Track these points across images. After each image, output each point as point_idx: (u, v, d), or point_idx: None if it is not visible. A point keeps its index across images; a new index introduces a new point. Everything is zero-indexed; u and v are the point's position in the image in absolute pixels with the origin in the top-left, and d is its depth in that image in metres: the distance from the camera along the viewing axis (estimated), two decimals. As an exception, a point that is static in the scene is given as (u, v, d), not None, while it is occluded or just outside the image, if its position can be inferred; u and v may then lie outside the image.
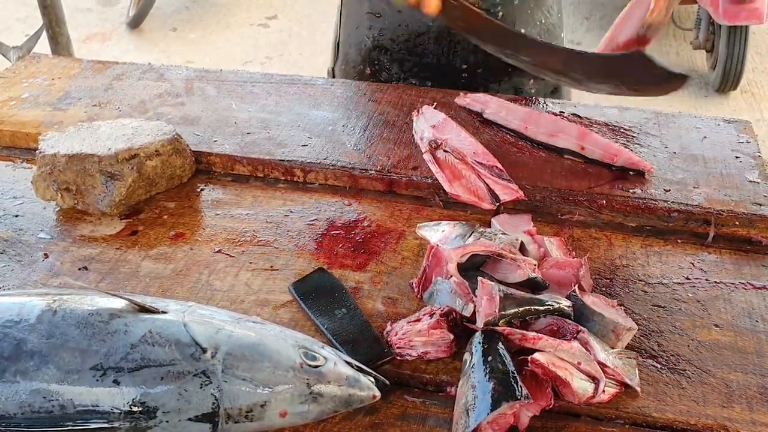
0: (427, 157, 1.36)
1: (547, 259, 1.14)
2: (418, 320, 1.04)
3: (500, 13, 1.62)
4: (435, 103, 1.52)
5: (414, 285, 1.14)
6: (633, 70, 1.30)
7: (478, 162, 1.32)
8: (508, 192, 1.28)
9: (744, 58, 4.40)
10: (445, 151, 1.35)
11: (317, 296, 1.11)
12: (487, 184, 1.29)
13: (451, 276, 1.07)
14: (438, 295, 1.08)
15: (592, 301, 1.04)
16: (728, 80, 4.52)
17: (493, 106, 1.51)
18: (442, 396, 0.99)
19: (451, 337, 1.02)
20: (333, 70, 1.87)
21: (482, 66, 1.66)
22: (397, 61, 1.71)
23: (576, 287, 1.06)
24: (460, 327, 1.03)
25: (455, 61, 1.67)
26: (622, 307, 1.09)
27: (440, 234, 1.20)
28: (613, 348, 1.01)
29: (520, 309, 1.00)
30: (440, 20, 1.46)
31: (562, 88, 1.80)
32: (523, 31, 1.65)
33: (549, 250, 1.16)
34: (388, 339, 1.04)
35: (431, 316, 1.03)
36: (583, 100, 1.68)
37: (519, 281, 1.08)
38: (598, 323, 1.02)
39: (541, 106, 1.58)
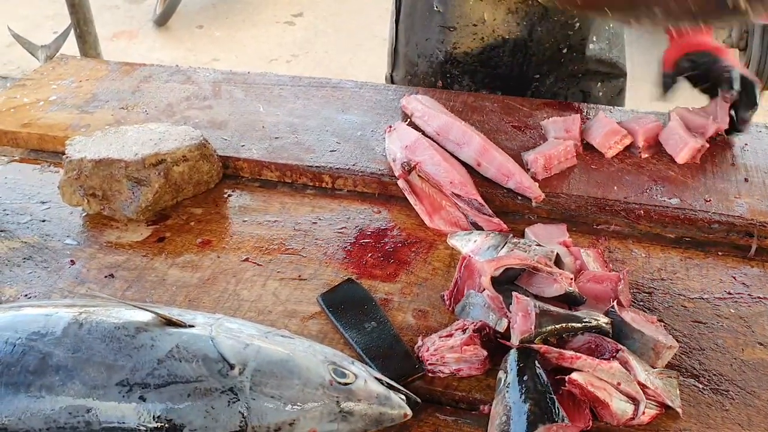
0: (401, 184, 1.29)
1: (584, 273, 1.10)
2: (450, 335, 1.01)
3: (577, 24, 1.60)
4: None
5: (445, 297, 1.11)
6: None
7: (455, 194, 1.26)
8: (491, 226, 1.23)
9: (778, 57, 4.30)
10: (420, 176, 1.29)
11: (346, 308, 1.09)
12: (467, 216, 1.25)
13: (484, 289, 1.04)
14: (471, 309, 1.05)
15: (631, 317, 1.01)
16: (762, 79, 4.42)
17: (418, 111, 1.47)
18: (475, 414, 0.96)
19: (485, 353, 0.99)
20: (392, 76, 1.84)
21: (553, 74, 1.64)
22: (468, 73, 1.68)
23: (615, 303, 1.02)
24: (493, 343, 1.00)
25: (528, 71, 1.65)
26: (662, 324, 1.06)
27: (472, 244, 1.17)
28: (653, 367, 0.97)
29: (557, 326, 0.97)
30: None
31: (625, 92, 1.78)
32: (595, 38, 1.64)
33: (586, 263, 1.12)
34: (419, 354, 1.01)
35: (464, 331, 1.00)
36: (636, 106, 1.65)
37: (555, 296, 1.04)
38: (637, 341, 0.99)
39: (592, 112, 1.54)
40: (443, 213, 1.26)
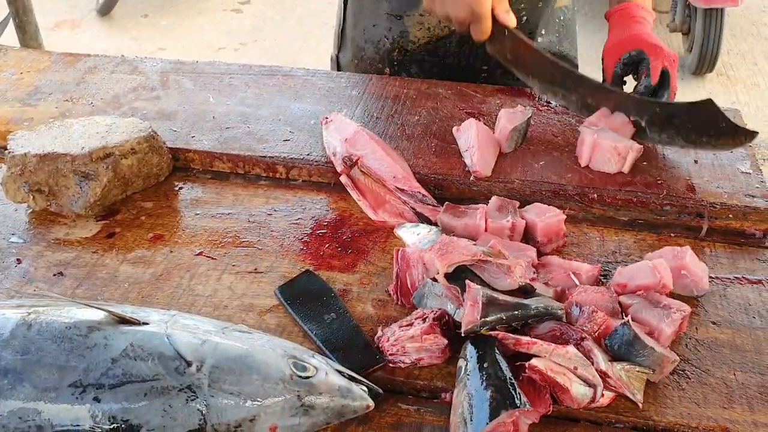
0: (344, 180, 1.28)
1: (578, 287, 1.07)
2: (410, 325, 1.00)
3: (524, 17, 1.59)
4: (343, 111, 1.45)
5: (391, 292, 1.10)
6: (698, 121, 1.30)
7: (398, 188, 1.25)
8: (436, 216, 1.21)
9: (720, 40, 4.39)
10: (362, 171, 1.28)
11: (305, 300, 1.07)
12: (413, 208, 1.24)
13: (436, 278, 1.04)
14: (429, 299, 1.05)
15: (645, 334, 0.98)
16: (704, 63, 4.51)
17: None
18: (437, 403, 0.95)
19: (445, 342, 0.98)
20: (338, 57, 1.81)
21: (502, 66, 1.62)
22: (416, 62, 1.67)
23: (629, 317, 0.99)
24: (453, 331, 1.00)
25: (476, 62, 1.64)
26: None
27: (415, 237, 1.17)
28: (654, 381, 0.97)
29: (504, 315, 0.97)
30: (488, 48, 1.41)
31: None
32: (544, 31, 1.64)
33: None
34: (380, 345, 1.00)
35: (424, 320, 1.00)
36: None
37: (507, 290, 1.04)
38: (648, 357, 0.96)
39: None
40: (387, 206, 1.25)
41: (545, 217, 1.18)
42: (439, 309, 1.01)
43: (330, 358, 0.97)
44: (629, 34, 1.44)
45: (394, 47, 1.66)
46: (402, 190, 1.25)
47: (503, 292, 1.02)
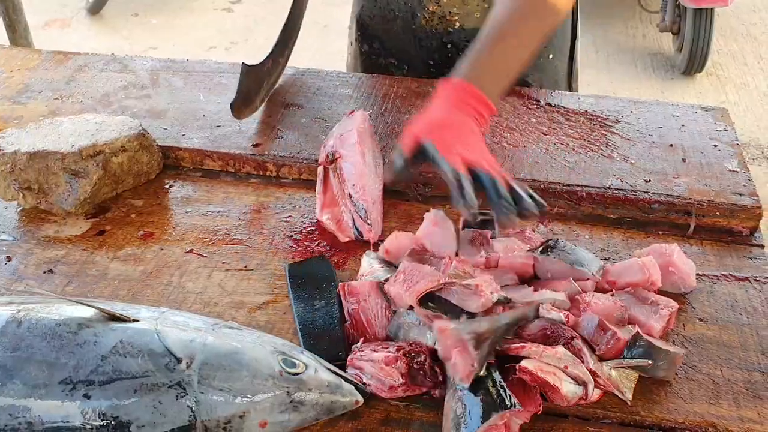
0: (319, 170, 1.27)
1: (584, 295, 1.04)
2: (386, 347, 0.96)
3: (456, 23, 1.57)
4: (352, 111, 1.39)
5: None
6: None
7: (350, 194, 1.21)
8: (364, 231, 1.18)
9: (710, 40, 4.41)
10: (335, 170, 1.26)
11: (306, 282, 1.09)
12: (352, 219, 1.20)
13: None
14: (405, 330, 0.99)
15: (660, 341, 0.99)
16: (694, 63, 4.53)
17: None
18: (426, 399, 0.96)
19: (401, 381, 0.93)
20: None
21: (449, 67, 1.60)
22: (377, 38, 1.69)
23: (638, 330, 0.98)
24: (427, 375, 0.94)
25: (422, 53, 1.64)
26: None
27: (369, 268, 1.11)
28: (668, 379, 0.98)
29: (493, 341, 0.92)
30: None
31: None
32: None
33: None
34: (351, 345, 0.98)
35: (398, 350, 0.94)
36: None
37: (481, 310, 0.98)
38: (665, 360, 0.96)
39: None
40: (335, 210, 1.22)
41: (512, 255, 1.11)
42: (419, 347, 0.96)
43: (299, 342, 0.98)
44: (436, 119, 1.12)
45: (358, 19, 1.70)
46: (350, 197, 1.21)
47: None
